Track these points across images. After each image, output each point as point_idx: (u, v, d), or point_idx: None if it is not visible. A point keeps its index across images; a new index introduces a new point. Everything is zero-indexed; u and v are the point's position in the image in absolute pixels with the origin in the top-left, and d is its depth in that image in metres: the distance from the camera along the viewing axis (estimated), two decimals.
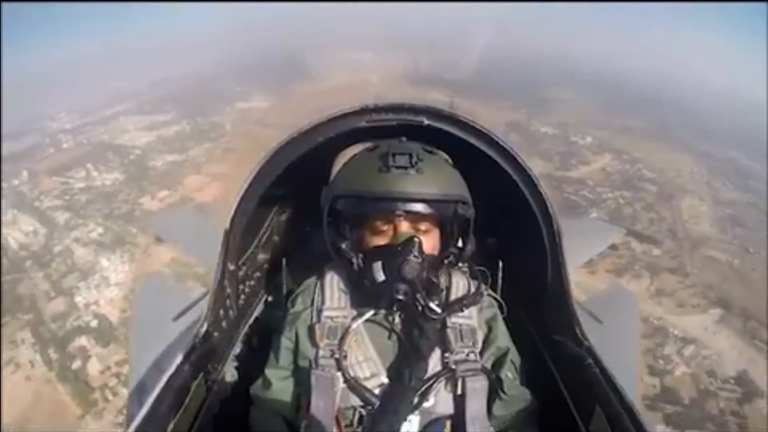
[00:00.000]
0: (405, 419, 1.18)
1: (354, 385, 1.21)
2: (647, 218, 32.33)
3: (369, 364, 1.27)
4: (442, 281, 1.38)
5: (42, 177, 38.63)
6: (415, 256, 1.19)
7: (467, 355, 1.28)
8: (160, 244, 24.26)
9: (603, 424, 1.11)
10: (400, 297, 1.18)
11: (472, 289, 1.36)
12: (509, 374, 1.34)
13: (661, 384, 19.92)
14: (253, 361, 1.55)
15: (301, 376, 1.31)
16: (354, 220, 1.35)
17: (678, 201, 35.38)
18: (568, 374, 1.41)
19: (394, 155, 1.22)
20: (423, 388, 1.20)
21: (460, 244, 1.36)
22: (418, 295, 1.19)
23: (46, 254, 29.02)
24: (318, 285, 1.43)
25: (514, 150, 1.52)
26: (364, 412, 1.22)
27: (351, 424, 1.23)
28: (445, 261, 1.36)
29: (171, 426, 1.09)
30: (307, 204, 1.58)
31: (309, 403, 1.20)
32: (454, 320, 1.32)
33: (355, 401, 1.22)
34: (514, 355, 1.39)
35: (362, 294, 1.32)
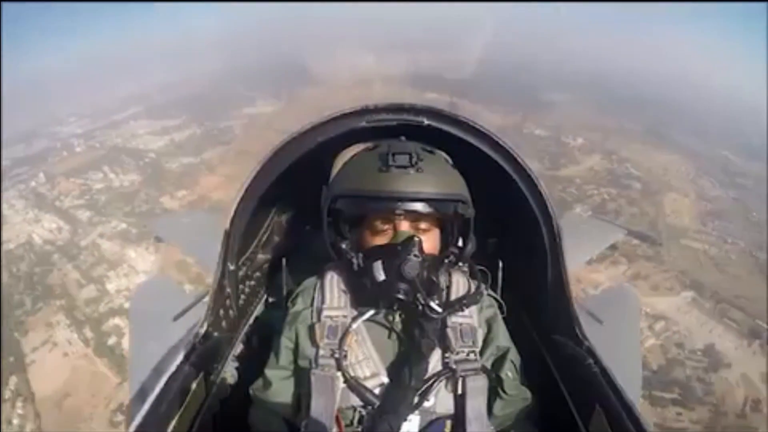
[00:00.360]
0: (405, 419, 1.19)
1: (354, 385, 1.21)
2: (629, 212, 33.28)
3: (369, 363, 1.27)
4: (443, 281, 1.38)
5: (59, 178, 39.80)
6: (415, 256, 1.20)
7: (467, 354, 1.28)
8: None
9: (603, 424, 1.11)
10: (401, 296, 1.19)
11: (472, 289, 1.35)
12: (509, 374, 1.35)
13: None
14: (253, 361, 1.55)
15: (302, 376, 1.31)
16: (354, 220, 1.35)
17: (662, 197, 36.42)
18: (568, 374, 1.41)
19: (394, 155, 1.23)
20: (423, 388, 1.21)
21: (460, 243, 1.36)
22: (418, 295, 1.19)
23: (72, 248, 30.51)
24: (318, 285, 1.43)
25: (514, 150, 1.53)
26: (364, 412, 1.22)
27: (351, 424, 1.23)
28: (446, 260, 1.36)
29: (171, 426, 1.10)
30: (307, 204, 1.59)
31: (309, 403, 1.21)
32: (454, 320, 1.31)
33: (356, 401, 1.22)
34: (514, 355, 1.39)
35: (362, 293, 1.33)
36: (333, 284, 1.41)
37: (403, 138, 1.39)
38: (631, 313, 2.81)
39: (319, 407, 1.19)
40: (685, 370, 21.23)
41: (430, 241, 1.32)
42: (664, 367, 21.27)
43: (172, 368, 1.20)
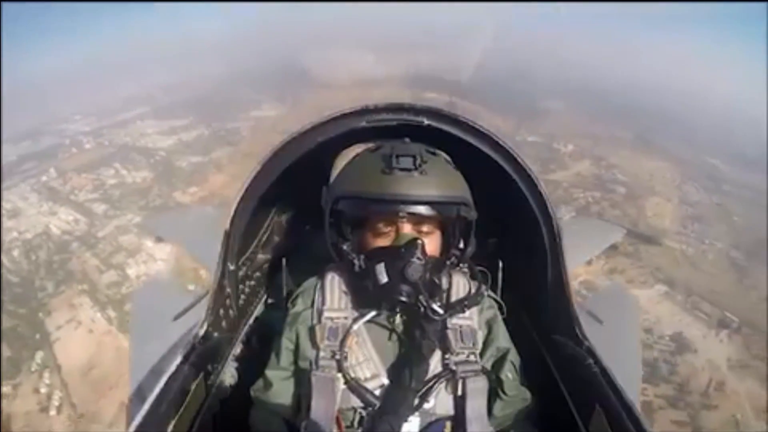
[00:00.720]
0: (405, 420, 1.19)
1: (354, 386, 1.22)
2: (612, 215, 33.38)
3: (369, 365, 1.28)
4: (444, 282, 1.38)
5: (70, 174, 40.18)
6: (418, 258, 1.20)
7: (467, 356, 1.29)
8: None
9: (603, 424, 1.11)
10: (403, 298, 1.19)
11: (473, 290, 1.35)
12: (509, 375, 1.35)
13: None
14: (253, 362, 1.55)
15: (302, 377, 1.31)
16: (356, 221, 1.35)
17: (644, 201, 36.85)
18: (568, 374, 1.41)
19: (397, 157, 1.22)
20: (423, 389, 1.21)
21: (461, 245, 1.36)
22: (420, 297, 1.20)
23: (90, 238, 31.31)
24: (318, 286, 1.43)
25: (514, 150, 1.53)
26: (364, 413, 1.23)
27: (351, 425, 1.23)
28: (447, 262, 1.36)
29: (171, 426, 1.10)
30: (307, 204, 1.58)
31: (309, 404, 1.21)
32: (454, 321, 1.32)
33: (356, 402, 1.23)
34: (514, 356, 1.39)
35: (363, 295, 1.33)
36: (333, 285, 1.41)
37: (407, 139, 1.37)
38: (630, 314, 2.89)
39: (319, 408, 1.20)
40: (653, 353, 22.23)
41: (432, 243, 1.32)
42: None
43: (172, 368, 1.20)
